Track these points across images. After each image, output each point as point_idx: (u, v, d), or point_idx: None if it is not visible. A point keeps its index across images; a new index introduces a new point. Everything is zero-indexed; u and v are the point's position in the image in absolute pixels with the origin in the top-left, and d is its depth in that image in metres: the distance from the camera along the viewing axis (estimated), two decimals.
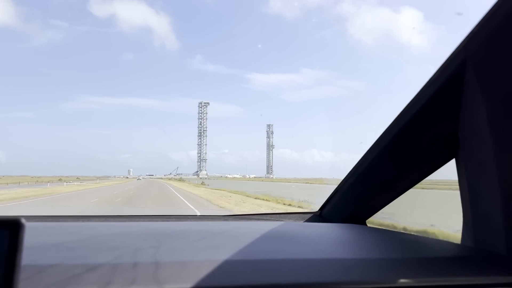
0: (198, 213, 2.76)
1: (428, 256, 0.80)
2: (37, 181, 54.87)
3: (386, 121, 1.05)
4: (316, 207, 1.55)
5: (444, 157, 0.99)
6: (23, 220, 0.44)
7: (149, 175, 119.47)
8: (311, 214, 1.51)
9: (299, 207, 14.74)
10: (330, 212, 1.44)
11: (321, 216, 1.49)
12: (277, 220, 1.43)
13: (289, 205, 15.90)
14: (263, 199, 18.76)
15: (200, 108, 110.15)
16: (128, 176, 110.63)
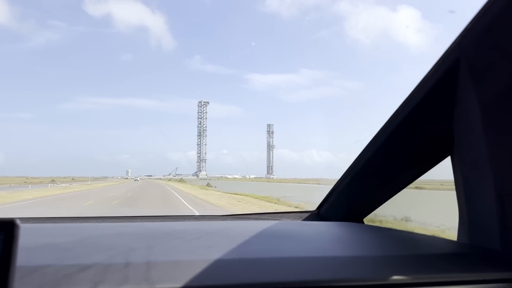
0: None
1: (424, 253, 0.80)
2: (25, 182, 53.24)
3: (383, 120, 1.05)
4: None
5: (439, 154, 1.00)
6: (18, 221, 0.45)
7: (148, 176, 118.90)
8: (309, 213, 1.51)
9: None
10: (327, 210, 1.45)
11: (318, 215, 1.49)
12: (274, 220, 1.43)
13: None
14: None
15: (200, 107, 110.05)
16: (127, 177, 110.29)
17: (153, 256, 0.69)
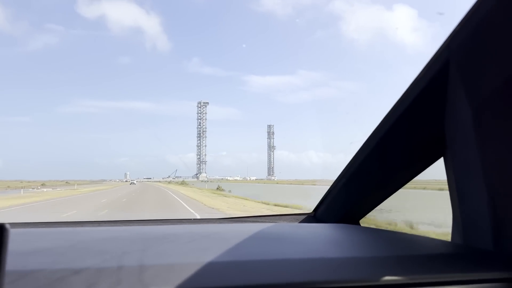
0: None
1: (419, 254, 0.80)
2: (16, 186, 51.21)
3: (378, 121, 1.06)
4: None
5: (432, 156, 1.00)
6: (7, 225, 0.45)
7: (147, 179, 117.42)
8: (306, 215, 1.51)
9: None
10: (324, 212, 1.45)
11: (315, 217, 1.49)
12: (271, 222, 1.43)
13: None
14: None
15: (199, 108, 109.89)
16: (127, 180, 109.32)
17: (146, 259, 0.69)
